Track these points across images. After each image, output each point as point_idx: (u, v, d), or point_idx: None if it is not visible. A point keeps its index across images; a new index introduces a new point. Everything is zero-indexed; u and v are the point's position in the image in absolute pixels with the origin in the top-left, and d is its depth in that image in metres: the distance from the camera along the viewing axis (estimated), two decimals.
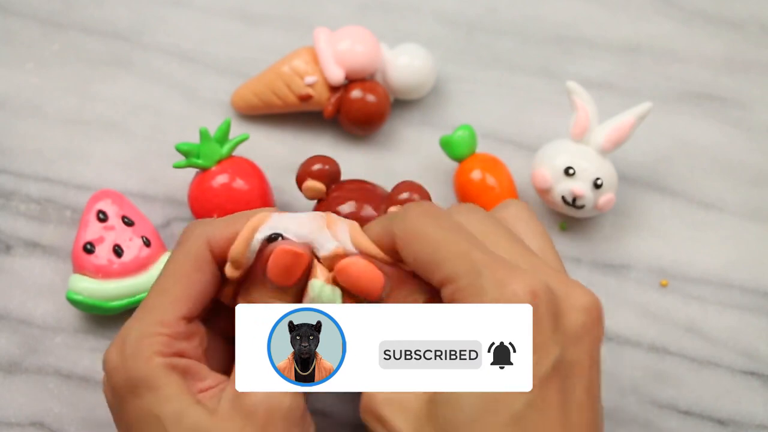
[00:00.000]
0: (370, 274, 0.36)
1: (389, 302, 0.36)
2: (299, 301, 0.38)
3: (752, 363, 0.47)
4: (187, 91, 0.52)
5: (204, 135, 0.46)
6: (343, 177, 0.47)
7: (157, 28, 0.54)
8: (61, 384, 0.46)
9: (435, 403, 0.33)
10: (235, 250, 0.37)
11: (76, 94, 0.52)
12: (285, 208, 0.50)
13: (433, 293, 0.36)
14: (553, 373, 0.32)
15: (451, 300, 0.34)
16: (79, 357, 0.46)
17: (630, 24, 0.55)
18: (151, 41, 0.53)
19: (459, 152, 0.48)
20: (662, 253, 0.49)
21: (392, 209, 0.45)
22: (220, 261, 0.38)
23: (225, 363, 0.39)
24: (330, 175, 0.46)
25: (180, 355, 0.36)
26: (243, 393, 0.35)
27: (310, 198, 0.46)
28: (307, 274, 0.37)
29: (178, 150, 0.46)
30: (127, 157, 0.50)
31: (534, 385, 0.32)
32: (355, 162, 0.50)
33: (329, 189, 0.46)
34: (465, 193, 0.48)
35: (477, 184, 0.48)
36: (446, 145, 0.48)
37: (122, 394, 0.36)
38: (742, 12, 0.55)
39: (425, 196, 0.45)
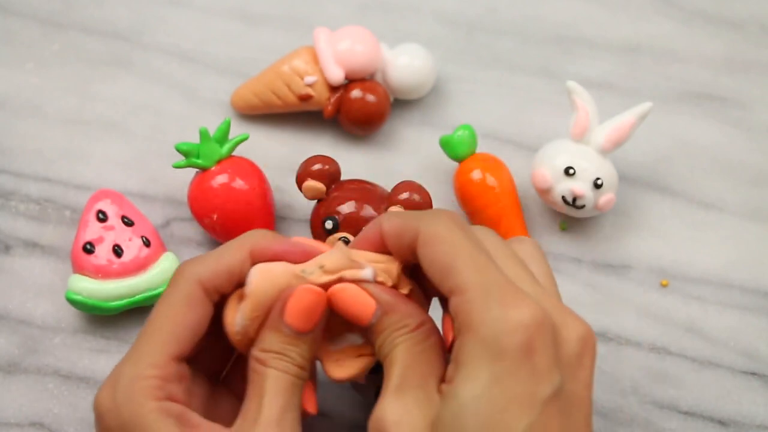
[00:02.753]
0: (361, 301, 0.36)
1: (379, 329, 0.36)
2: (313, 350, 0.37)
3: (753, 363, 0.47)
4: (187, 91, 0.52)
5: (204, 135, 0.46)
6: (343, 177, 0.47)
7: (157, 28, 0.53)
8: (60, 384, 0.46)
9: (439, 424, 0.33)
10: (230, 329, 0.37)
11: (76, 94, 0.52)
12: (285, 208, 0.50)
13: (424, 320, 0.36)
14: (553, 398, 0.32)
15: (456, 312, 0.34)
16: (79, 357, 0.46)
17: (630, 24, 0.55)
18: (151, 41, 0.53)
19: (459, 152, 0.48)
20: (662, 253, 0.49)
21: (393, 209, 0.45)
22: (213, 297, 0.37)
23: (207, 404, 0.38)
24: (330, 175, 0.46)
25: (172, 399, 0.35)
26: None
27: (310, 198, 0.46)
28: (324, 318, 0.37)
29: (178, 150, 0.46)
30: (127, 157, 0.50)
31: (535, 409, 0.32)
32: (355, 162, 0.50)
33: (329, 189, 0.46)
34: (465, 193, 0.48)
35: (477, 184, 0.48)
36: (446, 145, 0.48)
37: None
38: (742, 12, 0.55)
39: (425, 196, 0.45)
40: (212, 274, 0.37)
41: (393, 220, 0.37)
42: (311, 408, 0.37)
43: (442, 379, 0.35)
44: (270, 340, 0.36)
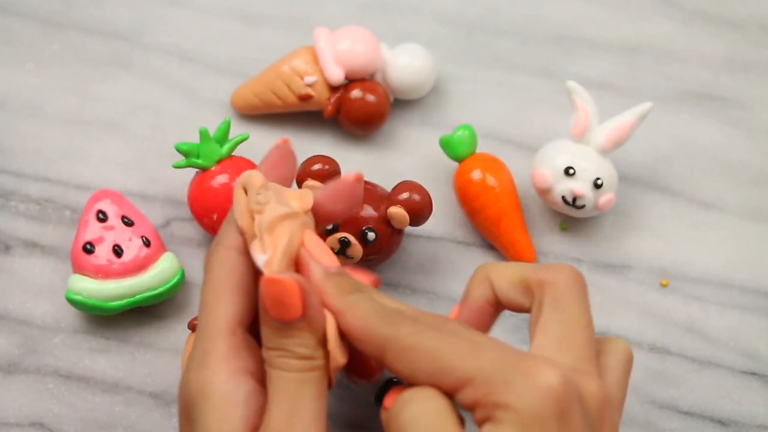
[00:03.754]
0: (289, 300, 0.34)
1: (293, 333, 0.34)
2: (323, 339, 0.34)
3: (753, 363, 0.47)
4: (187, 91, 0.52)
5: (204, 135, 0.46)
6: (342, 173, 0.47)
7: (157, 28, 0.53)
8: (60, 384, 0.46)
9: None
10: (240, 219, 0.36)
11: (76, 94, 0.52)
12: None
13: (318, 364, 0.34)
14: None
15: (475, 404, 0.32)
16: (79, 357, 0.46)
17: (630, 24, 0.55)
18: (151, 41, 0.53)
19: (459, 152, 0.48)
20: (662, 253, 0.49)
21: (392, 209, 0.45)
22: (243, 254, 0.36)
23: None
24: (330, 175, 0.46)
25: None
26: None
27: None
28: (317, 303, 0.34)
29: (178, 150, 0.46)
30: (127, 157, 0.50)
31: None
32: (355, 162, 0.50)
33: None
34: (465, 193, 0.48)
35: (477, 184, 0.48)
36: (446, 145, 0.48)
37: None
38: (742, 12, 0.55)
39: (425, 196, 0.45)
40: (231, 234, 0.36)
41: (355, 318, 0.34)
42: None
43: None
44: (267, 336, 0.35)
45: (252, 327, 0.36)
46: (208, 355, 0.34)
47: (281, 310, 0.34)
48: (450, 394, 0.32)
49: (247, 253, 0.36)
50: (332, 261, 0.36)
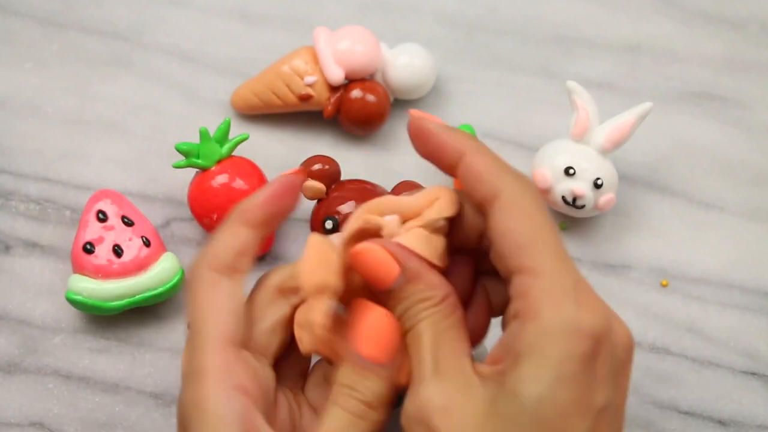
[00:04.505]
0: (384, 264, 0.33)
1: (400, 296, 0.33)
2: (389, 388, 0.33)
3: (752, 363, 0.47)
4: (187, 91, 0.52)
5: (204, 135, 0.46)
6: (343, 177, 0.47)
7: (157, 28, 0.53)
8: (60, 384, 0.46)
9: (495, 418, 0.31)
10: (307, 276, 0.33)
11: (76, 94, 0.52)
12: None
13: (449, 293, 0.34)
14: (605, 408, 0.32)
15: (522, 293, 0.32)
16: (79, 357, 0.46)
17: (630, 24, 0.55)
18: (151, 41, 0.53)
19: None
20: (662, 253, 0.49)
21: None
22: (232, 275, 0.35)
23: (291, 415, 0.36)
24: (330, 175, 0.46)
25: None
26: None
27: (310, 198, 0.46)
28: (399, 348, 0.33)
29: (178, 150, 0.46)
30: (127, 157, 0.50)
31: (591, 418, 0.31)
32: (355, 162, 0.50)
33: (329, 189, 0.46)
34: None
35: None
36: None
37: None
38: (742, 12, 0.55)
39: None
40: (217, 257, 0.35)
41: (478, 162, 0.34)
42: None
43: (470, 356, 0.33)
44: (343, 373, 0.34)
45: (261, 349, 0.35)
46: (201, 373, 0.34)
47: (374, 348, 0.33)
48: (512, 271, 0.32)
49: (229, 272, 0.35)
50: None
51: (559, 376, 0.30)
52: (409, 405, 0.32)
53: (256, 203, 0.36)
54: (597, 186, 0.47)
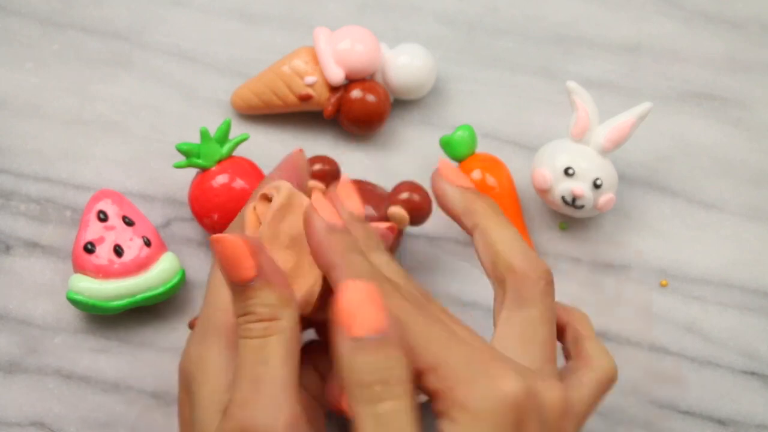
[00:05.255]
0: (240, 259, 0.33)
1: (251, 293, 0.33)
2: (290, 298, 0.34)
3: (752, 363, 0.47)
4: (187, 90, 0.52)
5: (204, 135, 0.46)
6: (343, 175, 0.47)
7: (157, 28, 0.53)
8: (61, 384, 0.46)
9: None
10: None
11: (76, 94, 0.52)
12: None
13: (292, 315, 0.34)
14: None
15: (435, 393, 0.31)
16: (79, 357, 0.46)
17: (630, 24, 0.55)
18: (151, 41, 0.53)
19: (459, 152, 0.48)
20: (662, 253, 0.49)
21: (393, 209, 0.45)
22: None
23: None
24: (330, 175, 0.46)
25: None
26: None
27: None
28: (271, 261, 0.34)
29: (178, 150, 0.46)
30: (127, 157, 0.50)
31: None
32: (355, 162, 0.50)
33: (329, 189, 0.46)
34: None
35: (477, 184, 0.48)
36: (446, 145, 0.48)
37: None
38: (742, 12, 0.55)
39: (425, 196, 0.45)
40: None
41: (455, 200, 0.38)
42: None
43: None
44: (234, 305, 0.34)
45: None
46: (207, 331, 0.35)
47: (234, 270, 0.33)
48: (416, 377, 0.32)
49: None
50: (355, 207, 0.37)
51: None
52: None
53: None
54: (596, 186, 0.47)
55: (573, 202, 0.47)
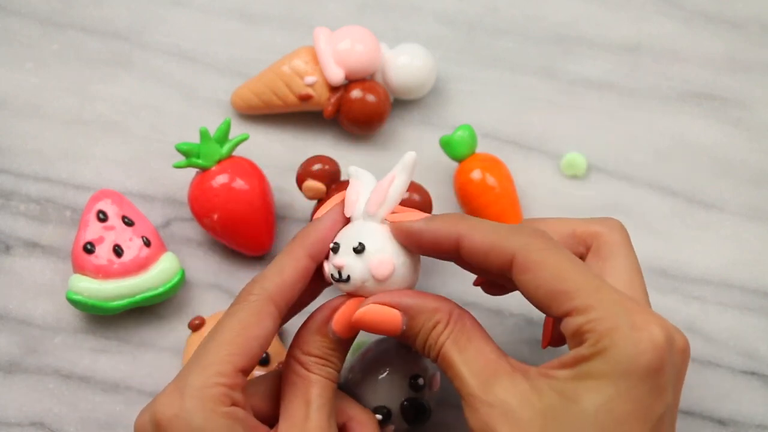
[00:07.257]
0: (387, 317, 0.36)
1: (409, 334, 0.36)
2: (345, 357, 0.39)
3: (752, 363, 0.47)
4: (187, 90, 0.52)
5: (204, 135, 0.46)
6: (343, 177, 0.47)
7: (157, 28, 0.53)
8: (61, 384, 0.46)
9: (554, 420, 0.33)
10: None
11: (76, 94, 0.52)
12: (285, 208, 0.50)
13: (451, 307, 0.36)
14: (665, 414, 0.33)
15: (577, 331, 0.33)
16: (79, 357, 0.46)
17: (630, 24, 0.55)
18: (151, 41, 0.53)
19: (459, 152, 0.48)
20: (662, 253, 0.49)
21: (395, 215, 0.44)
22: (282, 310, 0.37)
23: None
24: (330, 175, 0.46)
25: (236, 405, 0.35)
26: None
27: (310, 198, 0.46)
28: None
29: (178, 150, 0.46)
30: (127, 157, 0.50)
31: (651, 424, 0.33)
32: (355, 162, 0.50)
33: (329, 189, 0.46)
34: (465, 193, 0.48)
35: (477, 184, 0.48)
36: (446, 145, 0.48)
37: None
38: (742, 12, 0.55)
39: (425, 196, 0.45)
40: (279, 289, 0.37)
41: (476, 240, 0.36)
42: None
43: (501, 352, 0.35)
44: (315, 344, 0.37)
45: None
46: (208, 390, 0.35)
47: (347, 329, 0.38)
48: (560, 316, 0.34)
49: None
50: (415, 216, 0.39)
51: (620, 389, 0.32)
52: (474, 423, 0.34)
53: (320, 235, 0.39)
54: (357, 251, 0.38)
55: (340, 275, 0.39)
